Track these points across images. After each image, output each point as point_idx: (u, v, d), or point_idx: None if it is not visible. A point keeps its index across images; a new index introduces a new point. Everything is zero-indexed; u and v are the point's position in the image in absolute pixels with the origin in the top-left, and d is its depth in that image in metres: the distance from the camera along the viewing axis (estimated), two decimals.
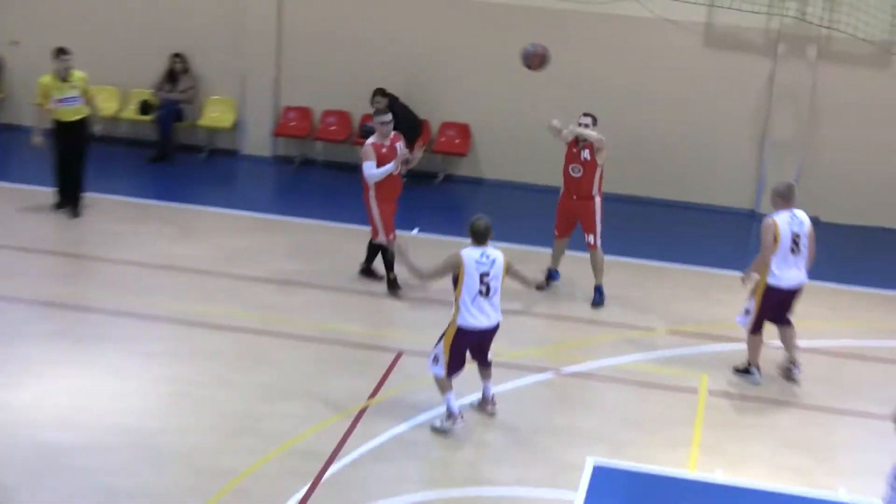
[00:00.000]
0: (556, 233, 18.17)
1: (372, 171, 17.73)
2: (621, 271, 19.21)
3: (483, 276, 13.77)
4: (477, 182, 23.20)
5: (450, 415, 14.25)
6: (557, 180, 17.88)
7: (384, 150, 17.85)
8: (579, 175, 17.51)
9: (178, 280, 18.31)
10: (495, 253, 13.95)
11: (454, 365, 14.14)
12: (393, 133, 18.06)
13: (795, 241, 15.25)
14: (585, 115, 17.61)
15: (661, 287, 18.94)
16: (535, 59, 15.67)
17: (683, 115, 22.08)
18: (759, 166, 21.89)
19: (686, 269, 19.72)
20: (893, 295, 19.07)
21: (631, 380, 15.91)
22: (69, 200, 20.64)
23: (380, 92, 18.39)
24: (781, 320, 15.72)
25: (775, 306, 15.49)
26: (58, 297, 17.51)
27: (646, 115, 22.12)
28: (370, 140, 18.00)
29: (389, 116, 17.94)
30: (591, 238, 17.71)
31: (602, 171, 17.67)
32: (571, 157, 17.61)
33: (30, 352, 15.71)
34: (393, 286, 18.38)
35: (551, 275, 18.45)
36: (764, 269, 15.31)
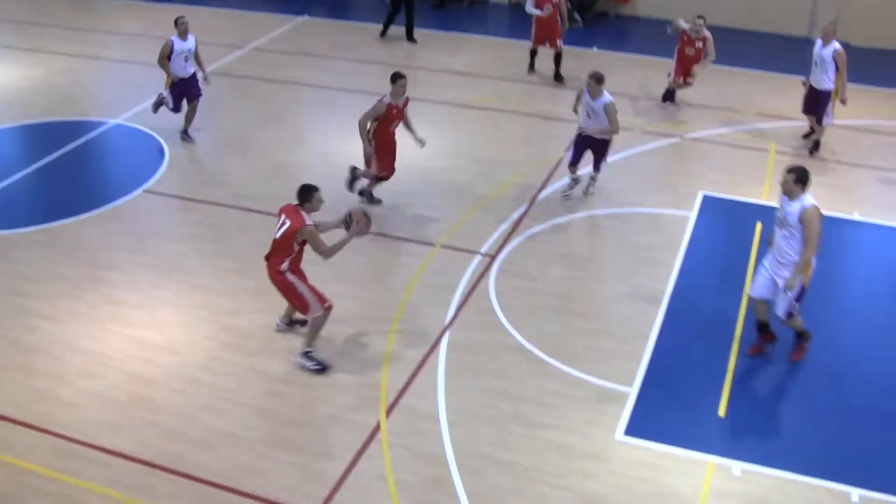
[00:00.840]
0: (674, 75, 16.98)
1: (528, 6, 17.92)
2: (720, 76, 18.39)
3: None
4: (635, 18, 22.44)
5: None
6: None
7: None
8: (692, 54, 16.47)
9: (451, 79, 18.32)
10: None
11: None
12: None
13: None
14: (699, 17, 16.42)
15: (745, 85, 18.23)
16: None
17: None
18: (813, 8, 20.70)
19: (760, 73, 18.89)
20: None
21: (725, 143, 15.60)
22: (386, 32, 20.61)
23: None
24: None
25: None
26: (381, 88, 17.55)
27: None
28: None
29: None
30: (691, 80, 16.70)
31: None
32: (688, 42, 16.47)
33: None
34: (557, 77, 18.38)
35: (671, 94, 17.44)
36: (842, 81, 14.71)
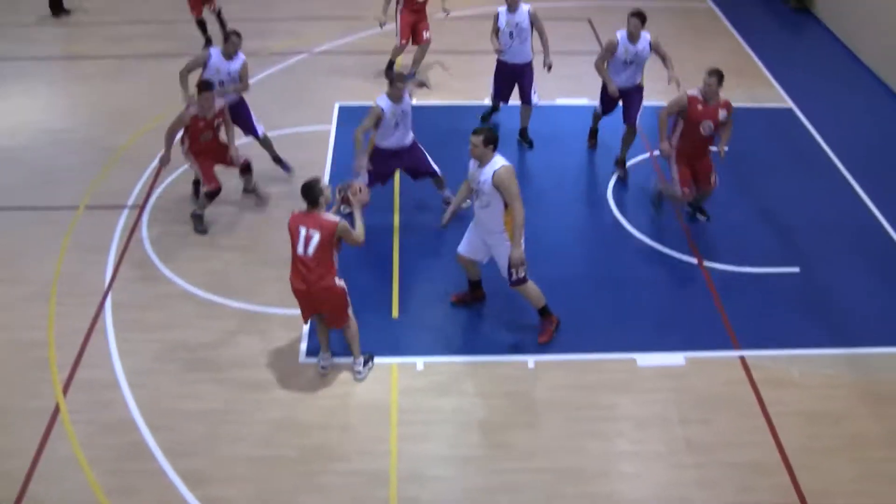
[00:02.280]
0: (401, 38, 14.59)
1: None
2: None
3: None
4: None
5: None
6: None
7: None
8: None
9: (58, 32, 17.20)
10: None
11: None
12: None
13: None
14: None
15: None
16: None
17: None
18: None
19: None
20: None
21: (352, 52, 15.77)
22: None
23: None
24: None
25: None
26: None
27: None
28: None
29: None
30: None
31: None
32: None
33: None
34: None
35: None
36: (544, 45, 12.73)
